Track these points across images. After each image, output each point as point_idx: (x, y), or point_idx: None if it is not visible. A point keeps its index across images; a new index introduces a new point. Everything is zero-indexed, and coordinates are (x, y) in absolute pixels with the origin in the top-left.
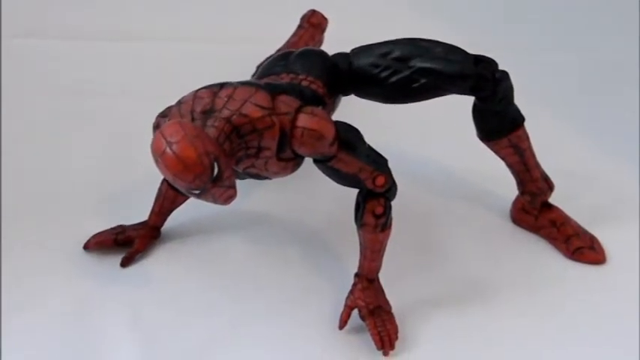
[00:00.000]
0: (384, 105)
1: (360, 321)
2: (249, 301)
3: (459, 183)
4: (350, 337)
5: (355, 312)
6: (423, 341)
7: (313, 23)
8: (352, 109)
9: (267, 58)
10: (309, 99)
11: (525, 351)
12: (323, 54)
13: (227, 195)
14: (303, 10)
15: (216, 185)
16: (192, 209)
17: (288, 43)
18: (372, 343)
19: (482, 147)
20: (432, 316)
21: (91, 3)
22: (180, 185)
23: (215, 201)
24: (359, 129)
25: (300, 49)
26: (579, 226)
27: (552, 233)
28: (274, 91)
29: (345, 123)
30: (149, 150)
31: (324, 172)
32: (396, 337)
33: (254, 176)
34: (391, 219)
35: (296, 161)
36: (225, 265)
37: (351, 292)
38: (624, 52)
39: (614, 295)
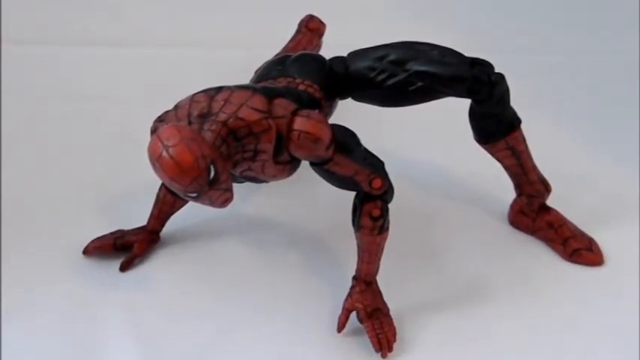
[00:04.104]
0: (381, 108)
1: (358, 324)
2: (248, 305)
3: (456, 185)
4: (348, 340)
5: (353, 315)
6: (421, 343)
7: (311, 28)
8: (349, 113)
9: (265, 62)
10: (306, 102)
11: (524, 353)
12: (319, 58)
13: (224, 198)
14: (301, 15)
15: (213, 188)
16: (191, 214)
17: (286, 48)
18: (371, 345)
19: (480, 150)
20: (430, 318)
21: (91, 10)
22: (176, 188)
23: (212, 204)
24: (355, 132)
25: (297, 54)
26: (577, 228)
27: (550, 235)
28: (270, 94)
29: (341, 126)
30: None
31: (320, 176)
32: (394, 340)
33: (251, 179)
34: (388, 221)
35: (292, 164)
36: (224, 269)
37: (349, 294)
38: (623, 53)
39: (612, 297)
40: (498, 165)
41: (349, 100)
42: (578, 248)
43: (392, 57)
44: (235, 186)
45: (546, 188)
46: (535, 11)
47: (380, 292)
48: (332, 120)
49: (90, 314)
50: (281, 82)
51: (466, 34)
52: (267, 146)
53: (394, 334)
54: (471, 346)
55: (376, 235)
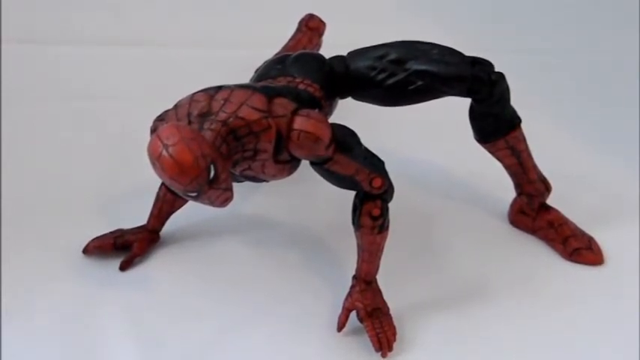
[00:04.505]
0: (381, 107)
1: (358, 323)
2: (248, 304)
3: (456, 185)
4: (348, 339)
5: (353, 314)
6: (420, 343)
7: (311, 27)
8: (349, 112)
9: (265, 62)
10: (306, 102)
11: (524, 353)
12: (319, 57)
13: (223, 197)
14: (302, 15)
15: (213, 188)
16: (191, 213)
17: (286, 47)
18: (371, 345)
19: (480, 149)
20: (429, 317)
21: (91, 10)
22: (176, 188)
23: (212, 203)
24: (356, 131)
25: (297, 53)
26: (577, 228)
27: (550, 234)
28: (270, 93)
29: (341, 125)
30: None
31: (321, 175)
32: (394, 339)
33: (251, 179)
34: (388, 221)
35: (292, 164)
36: (224, 268)
37: (349, 294)
38: (622, 53)
39: (613, 297)
40: (498, 165)
41: (349, 100)
42: (578, 247)
43: (392, 56)
44: (235, 186)
45: (546, 187)
46: (535, 11)
47: (380, 292)
48: (332, 119)
49: (90, 314)
50: (281, 82)
51: (466, 34)
52: (267, 145)
53: (394, 334)
54: (471, 346)
55: (376, 235)
